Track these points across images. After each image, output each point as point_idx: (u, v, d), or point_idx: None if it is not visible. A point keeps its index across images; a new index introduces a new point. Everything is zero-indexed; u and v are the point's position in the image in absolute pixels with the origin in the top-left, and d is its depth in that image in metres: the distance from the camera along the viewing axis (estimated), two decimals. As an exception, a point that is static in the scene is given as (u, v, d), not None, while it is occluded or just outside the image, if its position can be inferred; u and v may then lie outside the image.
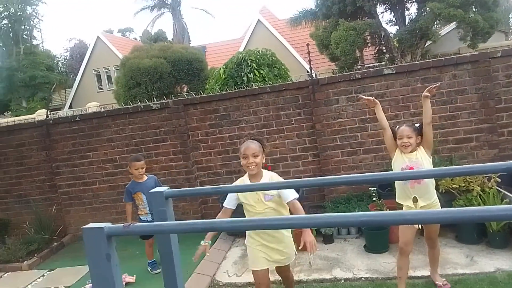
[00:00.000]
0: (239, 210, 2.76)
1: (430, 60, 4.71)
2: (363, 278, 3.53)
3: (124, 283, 3.95)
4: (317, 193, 5.24)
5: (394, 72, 4.77)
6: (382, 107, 4.84)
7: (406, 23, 13.20)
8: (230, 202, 2.71)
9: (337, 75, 5.27)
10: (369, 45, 14.02)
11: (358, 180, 2.50)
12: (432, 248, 3.18)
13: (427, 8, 11.33)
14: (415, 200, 2.94)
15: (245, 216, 2.72)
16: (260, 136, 2.83)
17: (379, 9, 13.57)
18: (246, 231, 2.78)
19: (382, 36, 13.27)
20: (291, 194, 2.62)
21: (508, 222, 3.66)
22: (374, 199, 4.31)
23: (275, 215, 2.62)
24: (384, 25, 13.60)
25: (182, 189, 3.06)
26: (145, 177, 4.20)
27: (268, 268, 2.76)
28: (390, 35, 13.20)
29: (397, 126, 3.09)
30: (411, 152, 2.96)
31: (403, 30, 12.38)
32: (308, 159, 5.24)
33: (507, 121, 4.62)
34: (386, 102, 4.83)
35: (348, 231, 4.53)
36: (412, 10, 13.82)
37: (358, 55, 13.51)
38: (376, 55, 14.24)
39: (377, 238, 3.96)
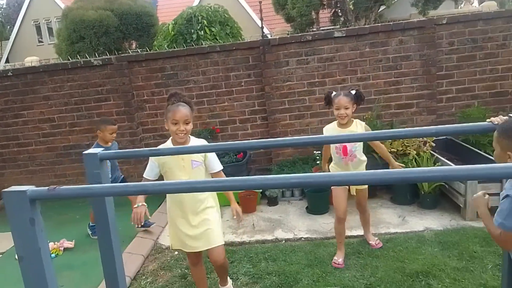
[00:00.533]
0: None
1: (379, 24, 4.73)
2: (302, 238, 3.65)
3: (61, 248, 3.82)
4: (264, 157, 5.26)
5: (344, 35, 4.75)
6: (330, 70, 4.90)
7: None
8: (151, 172, 2.49)
9: (288, 35, 5.18)
10: (326, 7, 13.88)
11: (299, 142, 2.47)
12: (363, 213, 3.32)
13: (383, -28, 11.29)
14: None
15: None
16: (188, 98, 2.50)
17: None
18: (167, 207, 2.61)
19: (338, -2, 13.14)
20: (218, 165, 2.52)
21: (439, 185, 3.89)
22: (318, 162, 4.40)
23: (198, 174, 2.48)
24: (341, -13, 13.43)
25: (118, 151, 2.92)
26: (110, 143, 3.92)
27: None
28: (346, -3, 13.10)
29: (333, 93, 2.95)
30: (347, 124, 2.92)
31: (359, -6, 12.32)
32: (257, 122, 5.21)
33: (447, 88, 4.81)
34: (334, 66, 4.84)
35: (292, 193, 4.63)
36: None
37: (314, 17, 13.36)
38: (332, 17, 14.17)
39: (318, 200, 4.08)
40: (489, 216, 1.73)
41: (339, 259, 3.13)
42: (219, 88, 5.14)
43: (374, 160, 3.86)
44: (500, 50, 4.67)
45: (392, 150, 4.17)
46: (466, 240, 3.25)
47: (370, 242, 3.35)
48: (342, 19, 13.47)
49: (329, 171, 3.14)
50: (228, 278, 2.89)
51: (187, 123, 2.38)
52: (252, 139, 5.10)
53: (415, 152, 4.06)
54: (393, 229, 3.63)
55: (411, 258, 3.11)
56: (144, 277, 3.34)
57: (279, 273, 3.13)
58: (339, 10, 13.65)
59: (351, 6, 12.84)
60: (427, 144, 4.09)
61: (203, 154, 2.48)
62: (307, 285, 2.91)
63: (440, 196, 3.97)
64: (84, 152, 2.18)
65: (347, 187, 3.04)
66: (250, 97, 5.14)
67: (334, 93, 2.96)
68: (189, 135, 2.46)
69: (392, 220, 3.80)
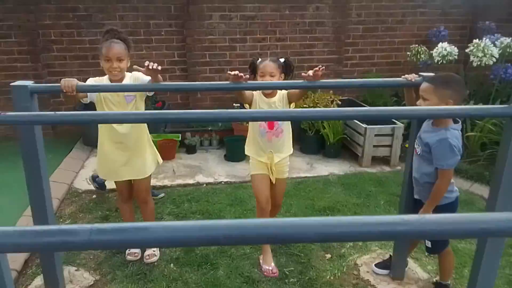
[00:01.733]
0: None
1: (300, -11, 5.00)
2: (223, 182, 3.89)
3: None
4: (183, 108, 5.30)
5: (267, -5, 4.93)
6: (252, 29, 5.08)
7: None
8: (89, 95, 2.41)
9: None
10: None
11: (213, 87, 2.59)
12: (275, 208, 2.74)
13: None
14: (270, 155, 2.52)
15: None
16: (126, 35, 2.46)
17: None
18: (99, 142, 2.56)
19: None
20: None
21: (342, 137, 4.43)
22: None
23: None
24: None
25: (50, 84, 2.74)
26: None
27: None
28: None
29: (259, 59, 2.50)
30: (272, 94, 2.49)
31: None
32: (176, 73, 5.19)
33: (351, 55, 5.36)
34: (256, 25, 5.02)
35: (210, 143, 4.80)
36: None
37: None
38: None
39: (236, 148, 4.32)
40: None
41: (269, 266, 2.57)
42: (137, 35, 4.96)
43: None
44: (398, 25, 5.34)
45: (304, 106, 4.57)
46: (363, 182, 3.82)
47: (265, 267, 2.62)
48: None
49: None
50: None
51: (120, 60, 2.35)
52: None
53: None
54: (303, 174, 4.07)
55: (319, 197, 3.57)
56: (61, 220, 3.26)
57: (202, 212, 3.33)
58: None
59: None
60: (334, 102, 4.58)
61: (140, 93, 2.48)
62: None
63: (342, 148, 4.54)
64: (12, 84, 2.05)
65: (269, 173, 2.56)
66: (170, 48, 5.08)
67: (259, 59, 2.50)
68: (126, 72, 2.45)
69: (302, 167, 4.25)
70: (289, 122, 2.62)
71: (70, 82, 2.05)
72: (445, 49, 4.38)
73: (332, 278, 2.50)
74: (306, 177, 4.00)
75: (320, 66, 2.20)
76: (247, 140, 2.64)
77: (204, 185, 3.85)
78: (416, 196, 2.26)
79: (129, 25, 4.92)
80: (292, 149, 2.65)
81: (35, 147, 2.08)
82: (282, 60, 2.49)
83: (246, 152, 2.63)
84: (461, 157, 2.07)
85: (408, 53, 5.00)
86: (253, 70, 2.49)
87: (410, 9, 5.29)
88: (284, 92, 2.51)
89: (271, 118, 2.30)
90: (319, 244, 2.85)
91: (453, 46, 4.45)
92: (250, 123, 2.61)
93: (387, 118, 2.18)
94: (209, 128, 4.80)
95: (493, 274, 1.82)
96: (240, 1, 4.91)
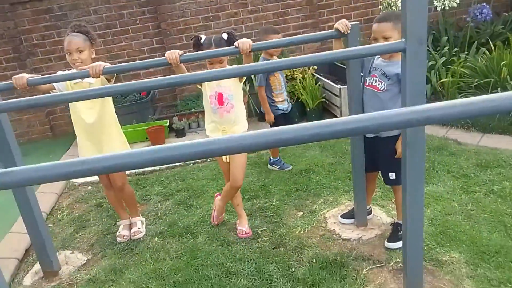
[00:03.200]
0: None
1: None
2: (208, 160, 4.06)
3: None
4: (169, 94, 5.46)
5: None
6: (222, 4, 5.12)
7: None
8: (60, 84, 2.55)
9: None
10: None
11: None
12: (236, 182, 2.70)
13: None
14: (224, 132, 2.56)
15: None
16: (86, 27, 2.61)
17: None
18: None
19: None
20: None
21: (321, 101, 4.51)
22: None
23: (101, 105, 2.61)
24: None
25: (2, 83, 2.86)
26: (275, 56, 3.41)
27: None
28: None
29: (202, 38, 2.49)
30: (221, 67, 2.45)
31: None
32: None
33: (327, 17, 5.35)
34: (226, 0, 5.06)
35: (198, 124, 4.96)
36: None
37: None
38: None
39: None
40: None
41: (243, 226, 2.74)
42: (114, 28, 5.10)
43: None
44: (370, -20, 5.28)
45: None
46: (340, 142, 3.93)
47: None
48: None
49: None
50: (140, 216, 3.04)
51: (80, 51, 2.47)
52: (154, 78, 5.23)
53: (301, 75, 4.59)
54: (284, 141, 4.20)
55: (297, 161, 3.71)
56: (60, 212, 3.51)
57: (187, 188, 3.53)
58: None
59: None
60: (311, 68, 4.64)
61: (101, 79, 2.56)
62: (212, 193, 3.36)
63: (323, 111, 4.62)
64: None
65: None
66: (147, 35, 5.19)
67: (203, 38, 2.49)
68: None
69: (284, 135, 4.37)
70: (241, 96, 2.63)
71: (20, 80, 2.18)
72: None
73: (301, 232, 2.67)
74: (287, 143, 4.12)
75: None
76: (205, 119, 2.71)
77: (191, 164, 4.03)
78: (371, 135, 2.34)
79: (104, 18, 5.05)
80: (247, 124, 2.70)
81: (4, 134, 2.25)
82: (225, 36, 2.47)
83: (206, 132, 2.70)
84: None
85: (380, 7, 4.97)
86: (198, 50, 2.44)
87: (379, -38, 5.21)
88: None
89: (222, 77, 2.28)
90: (292, 203, 3.01)
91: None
92: (203, 101, 2.67)
93: (332, 61, 2.22)
94: (192, 110, 4.94)
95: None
96: (207, -21, 4.95)
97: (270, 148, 3.00)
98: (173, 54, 2.19)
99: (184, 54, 2.22)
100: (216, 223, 2.91)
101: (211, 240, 2.74)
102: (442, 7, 4.14)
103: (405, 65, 1.73)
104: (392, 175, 2.33)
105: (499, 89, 3.52)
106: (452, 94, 4.03)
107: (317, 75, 4.68)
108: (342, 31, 2.22)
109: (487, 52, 4.08)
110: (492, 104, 0.89)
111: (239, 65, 2.61)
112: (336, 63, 5.13)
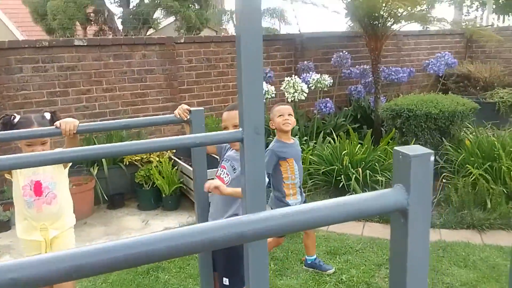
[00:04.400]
0: None
1: (122, 37, 4.84)
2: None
3: None
4: None
5: (85, 44, 4.64)
6: (73, 80, 4.68)
7: (131, 6, 13.34)
8: None
9: (20, 40, 4.69)
10: (93, 23, 13.40)
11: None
12: None
13: (148, -5, 11.79)
14: (44, 230, 2.10)
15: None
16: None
17: (103, -14, 13.12)
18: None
19: (106, 15, 12.93)
20: None
21: (178, 186, 4.22)
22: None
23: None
24: (108, 4, 13.27)
25: None
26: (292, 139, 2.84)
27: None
28: (115, 16, 13.03)
29: (15, 118, 2.08)
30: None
31: (127, 13, 12.46)
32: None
33: (189, 101, 5.31)
34: (77, 75, 4.66)
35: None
36: (136, -6, 14.06)
37: (80, 32, 12.69)
38: (99, 34, 13.77)
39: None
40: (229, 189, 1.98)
41: None
42: None
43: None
44: (230, 69, 5.52)
45: (136, 158, 4.29)
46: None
47: None
48: (110, 36, 13.26)
49: None
50: None
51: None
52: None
53: (157, 158, 4.29)
54: (134, 233, 3.71)
55: (145, 256, 3.23)
56: None
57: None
58: (107, 28, 13.42)
59: (120, 25, 12.82)
60: (169, 151, 4.39)
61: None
62: None
63: (181, 197, 4.32)
64: None
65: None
66: (-26, 108, 4.36)
67: (17, 117, 2.07)
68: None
69: (135, 226, 3.88)
70: (66, 184, 2.23)
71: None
72: (267, 89, 4.61)
73: None
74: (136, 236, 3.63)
75: None
76: (15, 217, 2.17)
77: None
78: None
79: None
80: (74, 218, 2.27)
81: None
82: (48, 115, 2.14)
83: (18, 234, 2.14)
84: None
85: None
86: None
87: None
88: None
89: (47, 162, 1.97)
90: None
91: (270, 85, 4.73)
92: (14, 194, 2.14)
93: (167, 148, 2.00)
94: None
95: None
96: (55, 51, 4.52)
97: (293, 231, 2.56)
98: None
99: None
100: None
101: None
102: (293, 98, 4.46)
103: (243, 155, 1.57)
104: (226, 281, 2.08)
105: (342, 176, 3.74)
106: (303, 180, 4.17)
107: (175, 158, 4.44)
108: (179, 117, 2.03)
109: (332, 141, 4.42)
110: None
111: (64, 149, 2.21)
112: (197, 146, 5.01)
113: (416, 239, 0.73)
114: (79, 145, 2.09)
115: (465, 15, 18.26)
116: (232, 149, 2.17)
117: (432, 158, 0.70)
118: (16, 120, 2.05)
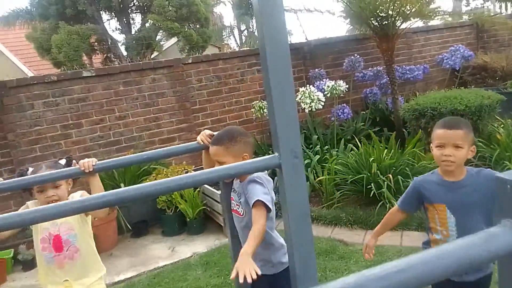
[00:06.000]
0: None
1: (129, 64, 4.79)
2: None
3: None
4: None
5: (94, 74, 4.60)
6: (85, 111, 4.62)
7: (132, 32, 13.44)
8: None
9: (29, 77, 4.67)
10: (98, 52, 13.54)
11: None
12: None
13: (149, 20, 11.87)
14: (68, 285, 1.97)
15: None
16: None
17: (104, 15, 13.28)
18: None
19: (110, 43, 13.05)
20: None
21: (202, 208, 4.10)
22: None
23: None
24: (111, 32, 13.40)
25: None
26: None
27: None
28: (118, 42, 13.14)
29: (29, 170, 1.99)
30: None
31: (130, 39, 12.54)
32: (3, 175, 4.40)
33: (203, 120, 5.23)
34: (89, 106, 4.61)
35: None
36: (137, 19, 14.20)
37: (87, 62, 12.80)
38: (106, 62, 13.90)
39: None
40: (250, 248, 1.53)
41: None
42: None
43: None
44: (240, 84, 5.42)
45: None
46: (224, 257, 3.46)
47: None
48: (116, 63, 13.36)
49: None
50: None
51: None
52: None
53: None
54: (162, 262, 3.57)
55: (175, 287, 3.09)
56: None
57: None
58: (112, 55, 13.54)
59: (124, 51, 12.91)
60: (188, 172, 4.27)
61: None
62: None
63: (206, 220, 4.18)
64: None
65: None
66: (-10, 149, 4.32)
67: (28, 169, 1.96)
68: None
69: (161, 254, 3.75)
70: (89, 234, 2.08)
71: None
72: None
73: None
74: (165, 265, 3.50)
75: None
76: (38, 271, 2.05)
77: None
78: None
79: None
80: (103, 267, 2.11)
81: None
82: (63, 162, 2.04)
83: (40, 280, 2.05)
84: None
85: (252, 109, 5.05)
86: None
87: (247, 68, 5.44)
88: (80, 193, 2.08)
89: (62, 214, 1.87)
90: None
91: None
92: (35, 246, 2.01)
93: (196, 184, 1.88)
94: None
95: None
96: (65, 84, 4.48)
97: None
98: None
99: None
100: None
101: None
102: (310, 108, 4.33)
103: (283, 183, 1.42)
104: None
105: (372, 184, 3.58)
106: (330, 191, 4.02)
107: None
108: (203, 143, 1.89)
109: (354, 148, 4.27)
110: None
111: (83, 197, 2.12)
112: (215, 166, 4.89)
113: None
114: (100, 182, 1.97)
115: (466, 6, 18.08)
116: (237, 178, 1.88)
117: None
118: (29, 172, 1.94)
